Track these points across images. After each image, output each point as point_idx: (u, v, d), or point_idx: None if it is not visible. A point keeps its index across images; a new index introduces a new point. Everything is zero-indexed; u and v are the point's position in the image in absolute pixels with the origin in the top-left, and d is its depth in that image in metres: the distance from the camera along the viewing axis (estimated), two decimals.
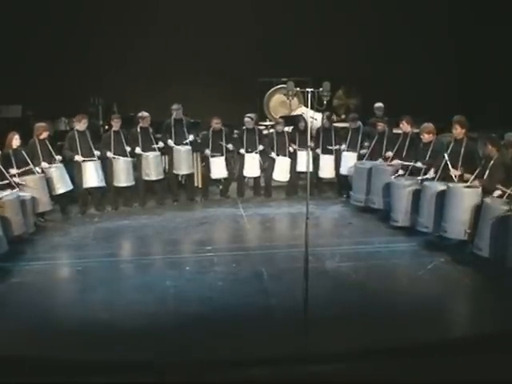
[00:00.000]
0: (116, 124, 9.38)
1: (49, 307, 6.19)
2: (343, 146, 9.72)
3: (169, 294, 6.43)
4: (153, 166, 9.46)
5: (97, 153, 9.13)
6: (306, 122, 9.99)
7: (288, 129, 10.44)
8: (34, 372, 4.53)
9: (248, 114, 10.19)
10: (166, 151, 9.82)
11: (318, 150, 9.89)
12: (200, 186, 10.23)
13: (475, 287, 6.59)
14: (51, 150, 8.84)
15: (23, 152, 8.42)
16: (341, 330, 5.48)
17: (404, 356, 4.77)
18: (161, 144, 9.59)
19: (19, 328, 5.70)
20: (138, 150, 9.43)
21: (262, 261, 7.27)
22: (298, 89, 5.88)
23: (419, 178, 7.96)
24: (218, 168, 9.82)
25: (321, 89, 5.66)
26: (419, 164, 8.14)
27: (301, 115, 10.49)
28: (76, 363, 4.82)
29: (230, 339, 5.37)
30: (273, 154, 9.96)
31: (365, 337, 5.33)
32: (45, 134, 8.83)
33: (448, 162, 7.42)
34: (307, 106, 5.86)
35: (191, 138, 9.74)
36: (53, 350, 5.25)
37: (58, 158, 8.86)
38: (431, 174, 7.84)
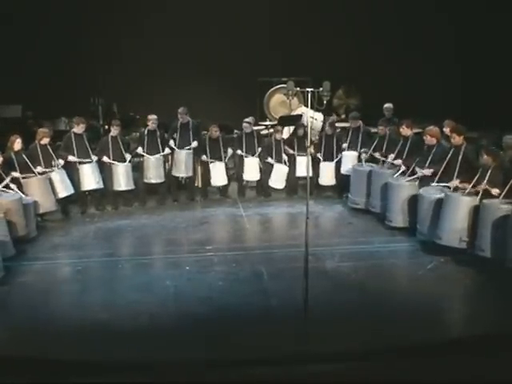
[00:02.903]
0: (115, 130, 9.39)
1: (49, 307, 6.19)
2: (344, 145, 9.70)
3: (169, 293, 6.43)
4: (153, 169, 9.47)
5: (94, 158, 9.16)
6: (305, 129, 9.95)
7: (288, 129, 10.43)
8: (33, 372, 4.54)
9: (246, 119, 10.17)
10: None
11: (319, 155, 9.88)
12: (200, 185, 10.23)
13: (475, 287, 6.60)
14: (53, 155, 8.85)
15: (24, 156, 8.45)
16: (341, 330, 5.48)
17: (404, 356, 4.77)
18: (167, 151, 9.60)
19: (19, 328, 5.71)
20: (139, 149, 9.44)
21: (262, 261, 7.27)
22: (297, 89, 5.88)
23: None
24: (219, 175, 9.82)
25: (321, 89, 5.66)
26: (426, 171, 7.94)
27: (301, 122, 10.42)
28: (76, 363, 4.82)
29: (229, 339, 5.38)
30: (269, 160, 9.96)
31: (365, 337, 5.34)
32: (46, 140, 8.85)
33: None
34: (307, 106, 5.86)
35: (195, 144, 9.75)
36: (53, 350, 5.26)
37: (59, 162, 8.87)
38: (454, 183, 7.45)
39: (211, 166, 9.81)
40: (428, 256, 7.28)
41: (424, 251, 7.47)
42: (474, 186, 7.07)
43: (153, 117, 9.55)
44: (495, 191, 6.83)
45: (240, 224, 8.79)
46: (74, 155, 9.04)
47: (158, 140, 9.57)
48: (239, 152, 9.98)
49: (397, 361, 4.70)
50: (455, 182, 7.34)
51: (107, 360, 5.01)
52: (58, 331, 5.65)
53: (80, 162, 9.04)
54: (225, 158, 9.89)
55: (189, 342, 5.34)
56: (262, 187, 10.17)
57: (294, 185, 10.12)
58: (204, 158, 9.84)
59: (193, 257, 7.51)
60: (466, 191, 7.10)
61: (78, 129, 9.16)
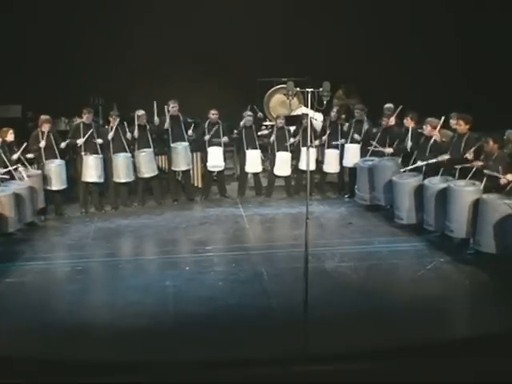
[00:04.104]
0: (114, 121, 9.42)
1: (48, 307, 6.19)
2: (342, 140, 9.72)
3: (169, 293, 6.43)
4: (143, 164, 9.46)
5: (99, 141, 9.20)
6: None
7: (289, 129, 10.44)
8: (33, 372, 4.53)
9: (248, 113, 10.18)
10: (164, 149, 9.84)
11: (323, 140, 9.92)
12: (200, 185, 10.23)
13: (475, 287, 6.59)
14: (54, 143, 8.91)
15: (15, 148, 8.44)
16: (341, 330, 5.48)
17: (404, 356, 4.77)
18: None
19: (19, 328, 5.70)
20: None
21: (262, 261, 7.27)
22: (297, 89, 5.88)
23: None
24: (215, 158, 9.76)
25: (321, 89, 5.66)
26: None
27: (306, 113, 10.44)
28: (76, 363, 4.81)
29: (229, 339, 5.37)
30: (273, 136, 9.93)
31: (365, 337, 5.33)
32: (46, 127, 8.88)
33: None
34: (307, 106, 5.86)
35: (190, 132, 9.77)
36: (52, 350, 5.26)
37: (63, 144, 9.00)
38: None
39: (209, 150, 9.79)
40: (428, 256, 7.27)
41: (424, 251, 7.47)
42: (474, 178, 7.14)
43: (141, 112, 9.56)
44: (506, 178, 6.82)
45: (240, 224, 8.78)
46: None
47: (148, 135, 9.58)
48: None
49: (397, 361, 4.69)
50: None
51: (107, 360, 5.00)
52: (57, 331, 5.65)
53: (86, 153, 9.09)
54: (224, 143, 9.89)
55: (189, 341, 5.34)
56: (267, 185, 10.15)
57: (298, 182, 10.10)
58: (206, 137, 9.80)
59: (193, 257, 7.51)
60: (471, 159, 7.24)
61: (86, 118, 9.23)
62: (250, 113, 10.17)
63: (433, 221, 7.56)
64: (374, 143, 8.99)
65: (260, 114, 11.23)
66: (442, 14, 12.12)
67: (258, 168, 10.02)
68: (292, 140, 9.91)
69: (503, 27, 11.28)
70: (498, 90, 10.99)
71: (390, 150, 8.74)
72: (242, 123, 10.01)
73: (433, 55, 12.09)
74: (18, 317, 5.94)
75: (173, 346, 5.28)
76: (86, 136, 9.06)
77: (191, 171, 10.03)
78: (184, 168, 9.82)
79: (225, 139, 9.91)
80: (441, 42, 12.06)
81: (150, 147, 9.55)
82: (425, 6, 11.99)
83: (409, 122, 8.74)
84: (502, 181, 6.84)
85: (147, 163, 9.49)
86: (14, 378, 4.44)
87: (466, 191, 7.09)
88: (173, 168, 9.81)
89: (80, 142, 9.09)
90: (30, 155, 8.62)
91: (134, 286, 6.64)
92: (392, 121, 9.12)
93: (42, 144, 8.76)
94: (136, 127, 9.48)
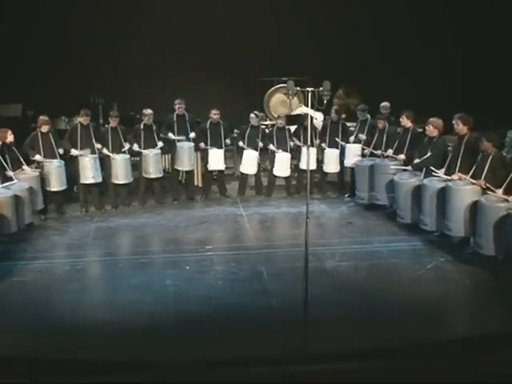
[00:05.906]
0: (113, 122, 9.40)
1: (49, 306, 6.19)
2: (351, 138, 9.71)
3: (169, 293, 6.43)
4: (152, 165, 9.46)
5: (97, 146, 9.17)
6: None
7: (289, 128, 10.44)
8: (34, 372, 4.53)
9: (254, 111, 10.17)
10: (169, 148, 9.82)
11: (324, 144, 9.91)
12: (200, 185, 10.23)
13: (475, 287, 6.59)
14: (53, 144, 8.88)
15: (14, 149, 8.42)
16: (341, 330, 5.48)
17: (404, 356, 4.77)
18: (160, 143, 9.60)
19: (19, 327, 5.70)
20: (135, 146, 9.42)
21: (262, 260, 7.27)
22: (298, 88, 5.88)
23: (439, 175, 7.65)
24: (216, 159, 9.77)
25: (321, 88, 5.66)
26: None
27: (306, 114, 10.46)
28: (76, 363, 4.81)
29: (229, 339, 5.37)
30: (271, 146, 9.91)
31: (364, 337, 5.33)
32: (45, 128, 8.85)
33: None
34: (307, 106, 5.86)
35: (193, 135, 9.75)
36: (52, 350, 5.26)
37: (60, 150, 8.94)
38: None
39: (210, 151, 9.78)
40: (428, 256, 7.28)
41: (424, 251, 7.48)
42: (473, 177, 7.11)
43: (148, 111, 9.55)
44: (499, 192, 6.79)
45: (240, 223, 8.78)
46: (76, 146, 9.05)
47: (155, 134, 9.58)
48: (240, 143, 9.98)
49: (397, 361, 4.69)
50: (456, 176, 7.37)
51: (107, 359, 5.00)
52: (57, 330, 5.65)
53: (81, 156, 9.04)
54: (224, 145, 9.89)
55: (189, 341, 5.34)
56: (267, 184, 10.14)
57: (298, 182, 10.09)
58: (202, 145, 9.80)
59: (193, 256, 7.50)
60: (467, 179, 7.17)
61: (84, 120, 9.19)
62: (253, 114, 10.16)
63: (431, 221, 7.56)
64: (388, 152, 8.90)
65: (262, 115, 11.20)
66: (441, 14, 12.13)
67: (253, 170, 9.97)
68: (292, 144, 9.90)
69: (503, 27, 11.28)
70: (497, 90, 10.99)
71: (402, 157, 8.60)
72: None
73: (433, 55, 12.09)
74: (19, 316, 5.94)
75: (173, 345, 5.29)
76: (80, 152, 9.00)
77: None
78: (188, 168, 9.83)
79: (227, 141, 9.90)
80: (441, 42, 12.08)
81: (156, 147, 9.54)
82: (424, 6, 12.01)
83: (405, 121, 8.70)
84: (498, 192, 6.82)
85: (155, 164, 9.49)
86: (15, 377, 4.45)
87: (465, 190, 7.10)
88: (176, 167, 9.80)
89: (75, 153, 9.04)
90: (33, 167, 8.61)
91: (134, 285, 6.64)
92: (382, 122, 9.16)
93: (39, 158, 8.68)
94: (142, 125, 9.52)
